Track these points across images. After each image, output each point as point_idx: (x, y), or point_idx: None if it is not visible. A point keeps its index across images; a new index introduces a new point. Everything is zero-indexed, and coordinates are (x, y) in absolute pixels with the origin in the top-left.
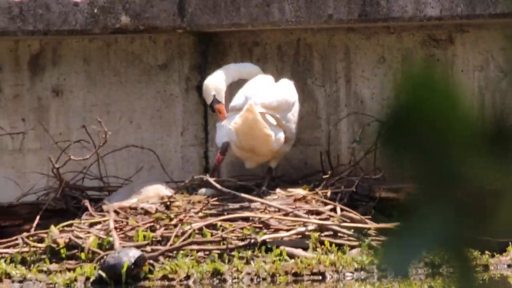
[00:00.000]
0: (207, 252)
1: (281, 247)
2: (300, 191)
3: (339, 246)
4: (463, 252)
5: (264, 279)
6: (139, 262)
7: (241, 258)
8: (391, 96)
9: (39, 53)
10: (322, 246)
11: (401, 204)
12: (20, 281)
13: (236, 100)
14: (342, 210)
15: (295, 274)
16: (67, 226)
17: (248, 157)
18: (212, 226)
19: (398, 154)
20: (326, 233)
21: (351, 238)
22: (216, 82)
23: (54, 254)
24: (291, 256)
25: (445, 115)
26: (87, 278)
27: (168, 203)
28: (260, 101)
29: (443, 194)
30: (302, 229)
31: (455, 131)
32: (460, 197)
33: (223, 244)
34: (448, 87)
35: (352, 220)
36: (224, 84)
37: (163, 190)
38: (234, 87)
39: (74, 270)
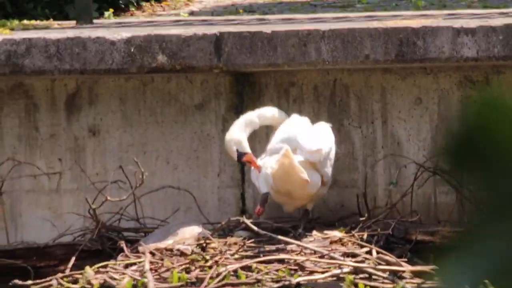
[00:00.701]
0: None
1: None
2: (336, 233)
3: None
4: None
5: None
6: None
7: None
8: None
9: (76, 93)
10: None
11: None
12: None
13: (273, 144)
14: (377, 252)
15: None
16: (102, 267)
17: (286, 201)
18: (247, 268)
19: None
20: (361, 275)
21: (386, 281)
22: (234, 136)
23: None
24: None
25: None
26: None
27: (204, 244)
28: (299, 147)
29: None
30: (337, 271)
31: None
32: None
33: (258, 286)
34: None
35: (388, 263)
36: (244, 135)
37: (200, 232)
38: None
39: None
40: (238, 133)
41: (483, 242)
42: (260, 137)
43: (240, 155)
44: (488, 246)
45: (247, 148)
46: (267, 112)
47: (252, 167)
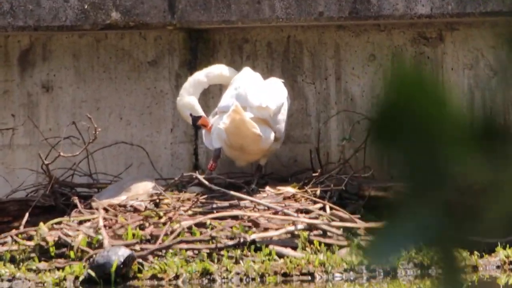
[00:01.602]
0: (196, 251)
1: (270, 247)
2: (289, 189)
3: (328, 246)
4: (451, 252)
5: (253, 279)
6: (128, 262)
7: (230, 257)
8: (381, 93)
9: (29, 49)
10: (311, 246)
11: (389, 202)
12: (9, 280)
13: (225, 101)
14: (331, 208)
15: (284, 274)
16: (56, 223)
17: (238, 156)
18: (202, 225)
19: (387, 153)
20: (316, 232)
21: (341, 238)
22: (185, 100)
23: (43, 252)
24: (280, 255)
25: (434, 113)
26: (76, 277)
27: (158, 200)
28: (248, 104)
29: (431, 193)
30: (292, 228)
31: (444, 129)
32: (448, 196)
33: (212, 243)
34: (437, 85)
35: (342, 219)
36: (194, 98)
37: (153, 187)
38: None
39: (63, 269)
40: (190, 98)
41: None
42: (214, 93)
43: (195, 119)
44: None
45: (200, 111)
46: (215, 70)
47: (206, 135)
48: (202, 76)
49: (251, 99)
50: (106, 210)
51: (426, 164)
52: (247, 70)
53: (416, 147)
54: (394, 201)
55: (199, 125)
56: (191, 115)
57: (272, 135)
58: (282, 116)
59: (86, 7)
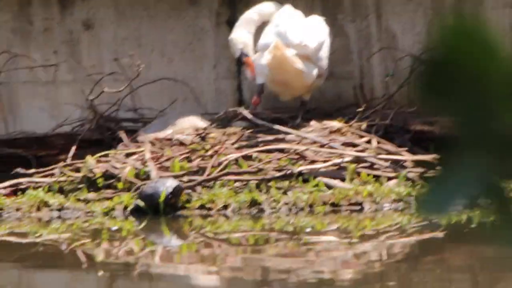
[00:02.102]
0: (244, 183)
1: (318, 178)
2: (335, 124)
3: (376, 178)
4: (502, 185)
5: (302, 209)
6: (176, 192)
7: (278, 188)
8: (422, 32)
9: None
10: (359, 178)
11: (439, 141)
12: (59, 210)
13: (265, 38)
14: (378, 142)
15: (333, 204)
16: (103, 156)
17: (282, 91)
18: (248, 158)
19: (435, 99)
20: (363, 164)
21: (388, 170)
22: (241, 36)
23: (91, 184)
24: (328, 187)
25: (479, 55)
26: (125, 207)
27: (203, 134)
28: (289, 42)
29: (485, 142)
30: (339, 160)
31: (489, 70)
32: (498, 138)
33: (260, 174)
34: (481, 28)
35: (388, 152)
36: (250, 37)
37: (198, 122)
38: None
39: (111, 199)
40: (245, 34)
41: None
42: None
43: (242, 56)
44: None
45: (250, 52)
46: (266, 9)
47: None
48: (253, 14)
49: (291, 36)
50: (152, 143)
51: (478, 115)
52: (287, 8)
53: (469, 98)
54: (448, 151)
55: (244, 63)
56: (241, 51)
57: (315, 71)
58: (324, 53)
59: None
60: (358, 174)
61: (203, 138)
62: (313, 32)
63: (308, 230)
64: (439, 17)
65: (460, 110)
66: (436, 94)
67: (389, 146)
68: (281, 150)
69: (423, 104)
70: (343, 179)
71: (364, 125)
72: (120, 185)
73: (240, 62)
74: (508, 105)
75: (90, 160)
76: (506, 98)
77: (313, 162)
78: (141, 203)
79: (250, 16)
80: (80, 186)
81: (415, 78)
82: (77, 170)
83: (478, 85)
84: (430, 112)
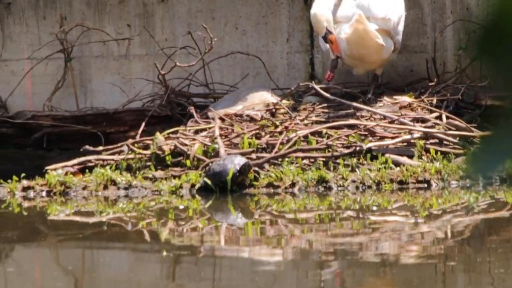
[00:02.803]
0: (312, 160)
1: (386, 155)
2: (406, 99)
3: (445, 154)
4: None
5: (369, 186)
6: (244, 170)
7: (346, 165)
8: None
9: None
10: (428, 154)
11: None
12: (126, 188)
13: (345, 11)
14: (447, 117)
15: (400, 182)
16: (172, 133)
17: (357, 64)
18: (318, 134)
19: (497, 63)
20: (432, 141)
21: (457, 146)
22: (325, 12)
23: (159, 161)
24: (397, 164)
25: None
26: (193, 185)
27: (274, 110)
28: (372, 15)
29: None
30: (408, 137)
31: None
32: None
33: (328, 151)
34: None
35: (458, 128)
36: (330, 12)
37: (269, 97)
38: None
39: (179, 177)
40: (326, 9)
41: None
42: None
43: (327, 33)
44: None
45: (332, 28)
46: None
47: (328, 46)
48: None
49: (374, 10)
50: (222, 119)
51: None
52: None
53: None
54: (504, 111)
55: (329, 40)
56: (327, 28)
57: (392, 45)
58: (401, 26)
59: None
60: (427, 150)
61: (273, 114)
62: (394, 5)
63: (374, 208)
64: None
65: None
66: (489, 58)
67: (458, 122)
68: (351, 126)
69: (489, 73)
70: (411, 156)
71: (434, 100)
72: (188, 163)
73: (325, 40)
74: None
75: (159, 136)
76: None
77: (382, 138)
78: (208, 181)
79: None
80: (148, 163)
81: (469, 43)
82: (146, 147)
83: None
84: (500, 86)
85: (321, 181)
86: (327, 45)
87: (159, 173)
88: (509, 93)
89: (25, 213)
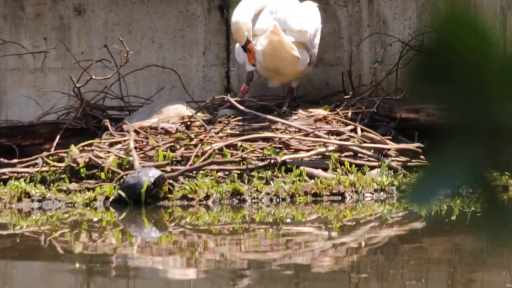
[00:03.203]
0: (227, 172)
1: (301, 168)
2: (321, 111)
3: (359, 167)
4: (486, 174)
5: (283, 199)
6: (158, 182)
7: (260, 178)
8: (412, 17)
9: None
10: (342, 167)
11: (424, 130)
12: (40, 200)
13: (262, 23)
14: (362, 130)
15: (314, 195)
16: (87, 145)
17: (273, 77)
18: (233, 146)
19: (426, 87)
20: (346, 153)
21: (371, 159)
22: (247, 20)
23: (73, 174)
24: (311, 176)
25: (470, 42)
26: (107, 198)
27: (189, 123)
28: (288, 27)
29: (477, 131)
30: (323, 149)
31: (480, 56)
32: (484, 122)
33: (243, 164)
34: (487, 27)
35: (373, 141)
36: (250, 21)
37: (184, 110)
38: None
39: (93, 189)
40: (248, 19)
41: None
42: None
43: (247, 42)
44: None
45: (251, 36)
46: None
47: (245, 55)
48: None
49: (291, 22)
50: (137, 132)
51: (473, 102)
52: None
53: (464, 85)
54: (437, 140)
55: (248, 49)
56: (247, 37)
57: (308, 58)
58: (317, 39)
59: None
60: (342, 163)
61: (188, 127)
62: (310, 18)
63: (288, 221)
64: (431, 4)
65: (452, 97)
66: (428, 82)
67: (373, 135)
68: (266, 139)
69: (412, 91)
70: (326, 169)
71: (350, 113)
72: (103, 175)
73: (244, 49)
74: (500, 91)
75: (74, 149)
76: (498, 84)
77: (297, 151)
78: (122, 194)
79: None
80: (63, 176)
81: (406, 65)
82: (61, 159)
83: (470, 71)
84: (418, 99)
85: (236, 193)
86: (244, 58)
87: (73, 186)
88: (450, 117)
89: None
